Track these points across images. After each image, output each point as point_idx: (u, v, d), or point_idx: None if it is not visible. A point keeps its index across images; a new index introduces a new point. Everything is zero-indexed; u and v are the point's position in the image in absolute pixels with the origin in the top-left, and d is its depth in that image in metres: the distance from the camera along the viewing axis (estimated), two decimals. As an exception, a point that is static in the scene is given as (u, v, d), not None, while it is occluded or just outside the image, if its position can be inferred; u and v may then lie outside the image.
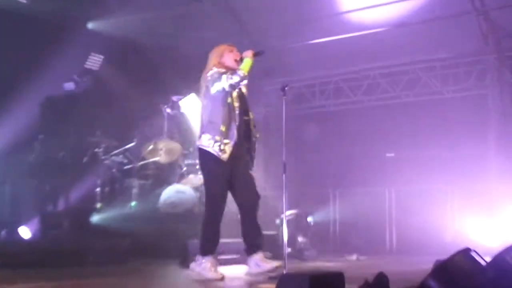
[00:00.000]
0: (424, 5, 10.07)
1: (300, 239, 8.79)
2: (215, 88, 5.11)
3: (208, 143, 5.11)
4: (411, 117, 11.37)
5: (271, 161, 11.42)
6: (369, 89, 11.65)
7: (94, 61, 9.80)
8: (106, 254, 6.82)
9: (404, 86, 11.28)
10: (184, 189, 8.76)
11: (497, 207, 9.63)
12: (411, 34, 10.39)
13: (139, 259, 7.11)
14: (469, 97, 10.61)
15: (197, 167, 9.21)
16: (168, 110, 9.47)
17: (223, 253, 7.02)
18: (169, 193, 8.71)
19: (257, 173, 11.26)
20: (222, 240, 7.26)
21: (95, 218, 8.06)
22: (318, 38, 10.90)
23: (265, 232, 8.57)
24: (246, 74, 5.16)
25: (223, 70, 5.23)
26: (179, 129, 9.86)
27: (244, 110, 5.30)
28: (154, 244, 7.66)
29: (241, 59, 5.32)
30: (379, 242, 10.88)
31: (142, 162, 9.27)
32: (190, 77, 11.82)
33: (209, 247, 5.22)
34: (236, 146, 5.15)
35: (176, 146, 9.44)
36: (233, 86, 5.11)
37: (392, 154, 11.83)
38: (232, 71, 5.20)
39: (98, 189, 8.88)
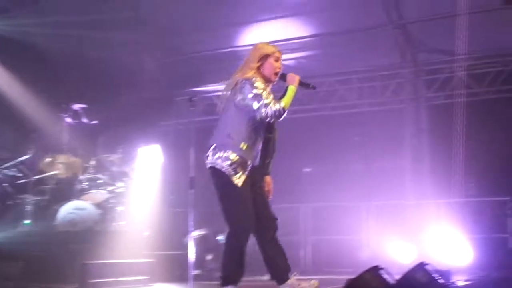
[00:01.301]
0: (340, 16, 10.41)
1: (209, 259, 8.83)
2: (245, 102, 4.56)
3: (222, 162, 4.57)
4: (328, 130, 11.65)
5: (180, 176, 11.38)
6: (285, 101, 11.85)
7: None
8: (-4, 281, 6.58)
9: (321, 99, 11.58)
10: (85, 206, 8.59)
11: (412, 223, 10.02)
12: (327, 45, 10.71)
13: (33, 285, 6.90)
14: (385, 112, 10.97)
15: (99, 181, 9.12)
16: (68, 120, 9.30)
17: (127, 274, 6.97)
18: (68, 209, 8.51)
19: (166, 188, 11.25)
20: (125, 261, 7.21)
21: (-17, 240, 7.78)
22: (231, 46, 11.05)
23: (171, 252, 8.64)
24: (286, 109, 4.54)
25: (262, 86, 4.57)
26: (80, 140, 9.69)
27: (268, 128, 4.78)
28: (51, 267, 7.42)
29: (282, 76, 4.75)
30: (294, 260, 11.01)
31: (38, 176, 9.01)
32: (93, 83, 11.72)
33: (234, 277, 4.72)
34: (255, 169, 4.68)
35: (76, 159, 9.24)
36: (263, 118, 4.53)
37: (309, 169, 12.09)
38: (269, 97, 4.51)
39: (-13, 206, 8.58)
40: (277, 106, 4.52)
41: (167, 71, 12.14)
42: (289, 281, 4.78)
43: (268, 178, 4.92)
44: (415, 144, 10.77)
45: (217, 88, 11.77)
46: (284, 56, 11.75)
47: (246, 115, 4.61)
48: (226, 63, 11.72)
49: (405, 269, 4.11)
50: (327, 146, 11.54)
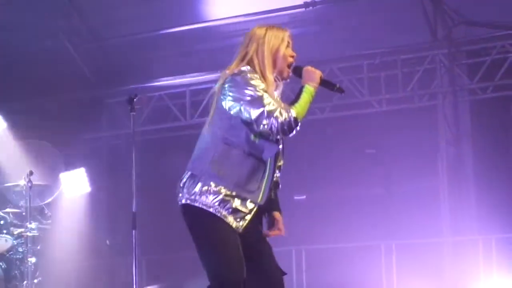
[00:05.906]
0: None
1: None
2: (235, 108, 4.40)
3: (211, 200, 4.41)
4: (327, 141, 11.65)
5: (118, 211, 11.33)
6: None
7: None
8: None
9: (317, 95, 11.55)
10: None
11: (451, 269, 10.07)
12: (325, 19, 10.73)
13: None
14: (409, 111, 11.04)
15: (0, 222, 9.06)
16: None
17: None
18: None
19: (99, 229, 11.17)
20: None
21: None
22: (188, 24, 11.09)
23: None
24: (300, 120, 4.41)
25: (262, 85, 4.42)
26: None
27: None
28: None
29: (295, 70, 4.64)
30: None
31: None
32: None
33: None
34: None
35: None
36: (265, 134, 4.38)
37: (303, 197, 12.08)
38: (273, 102, 4.36)
39: None
40: (286, 116, 4.36)
41: (93, 61, 12.09)
42: None
43: (277, 214, 4.83)
44: (453, 156, 10.82)
45: (171, 82, 11.78)
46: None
47: (243, 131, 4.46)
48: (183, 47, 11.74)
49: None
50: (327, 164, 11.54)
